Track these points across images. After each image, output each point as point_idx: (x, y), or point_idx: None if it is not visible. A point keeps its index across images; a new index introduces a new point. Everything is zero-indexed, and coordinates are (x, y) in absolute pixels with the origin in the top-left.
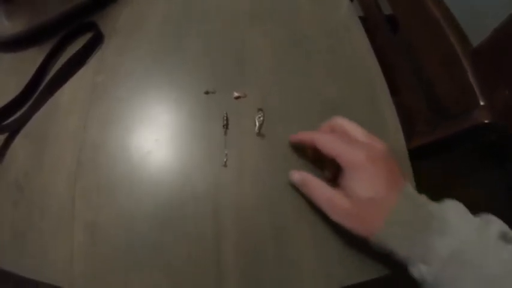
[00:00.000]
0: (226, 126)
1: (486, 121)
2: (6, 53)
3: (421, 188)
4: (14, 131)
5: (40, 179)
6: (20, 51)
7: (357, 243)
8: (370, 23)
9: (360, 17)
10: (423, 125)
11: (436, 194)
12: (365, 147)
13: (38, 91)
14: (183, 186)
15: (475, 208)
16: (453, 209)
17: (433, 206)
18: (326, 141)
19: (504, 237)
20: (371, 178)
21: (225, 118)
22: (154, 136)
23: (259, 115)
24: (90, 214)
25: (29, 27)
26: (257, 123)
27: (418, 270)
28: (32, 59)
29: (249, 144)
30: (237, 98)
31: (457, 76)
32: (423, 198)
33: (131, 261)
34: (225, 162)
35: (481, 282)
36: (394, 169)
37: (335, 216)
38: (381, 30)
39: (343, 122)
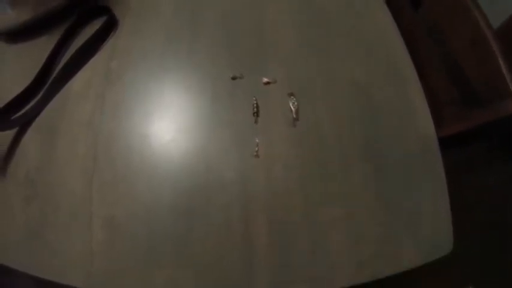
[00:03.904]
0: (256, 113)
1: None
2: (14, 43)
3: None
4: (24, 124)
5: (53, 173)
6: (28, 41)
7: (390, 231)
8: (394, 4)
9: None
10: (452, 112)
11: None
12: None
13: (48, 81)
14: (209, 176)
15: (479, 202)
16: None
17: None
18: None
19: None
20: None
21: (255, 105)
22: (176, 124)
23: (293, 100)
24: (108, 208)
25: (35, 15)
26: (293, 109)
27: None
28: (41, 48)
29: (280, 131)
30: (267, 83)
31: (486, 62)
32: None
33: (153, 256)
34: (257, 151)
35: None
36: None
37: None
38: (405, 11)
39: None
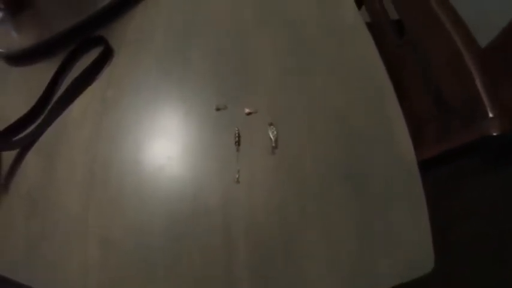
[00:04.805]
0: (238, 142)
1: (495, 134)
2: (16, 67)
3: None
4: (25, 146)
5: (52, 193)
6: (30, 65)
7: (368, 252)
8: (377, 29)
9: (367, 23)
10: (433, 133)
11: (439, 197)
12: None
13: (48, 106)
14: (195, 200)
15: (472, 215)
16: None
17: None
18: None
19: None
20: None
21: (236, 135)
22: (166, 152)
23: (272, 129)
24: (103, 228)
25: (38, 41)
26: (272, 138)
27: None
28: (41, 72)
29: (260, 159)
30: (249, 114)
31: (465, 85)
32: None
33: (145, 273)
34: (237, 178)
35: None
36: None
37: None
38: (388, 36)
39: None
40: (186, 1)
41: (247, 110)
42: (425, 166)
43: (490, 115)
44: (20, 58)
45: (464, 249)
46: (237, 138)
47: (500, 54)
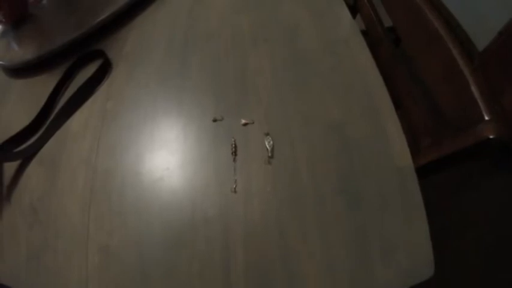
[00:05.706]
0: (234, 153)
1: (491, 136)
2: (18, 79)
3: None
4: (27, 157)
5: (54, 203)
6: (31, 78)
7: (365, 261)
8: (372, 37)
9: (362, 31)
10: (429, 140)
11: (439, 203)
12: None
13: (50, 118)
14: (194, 211)
15: (477, 219)
16: None
17: None
18: None
19: None
20: None
21: (233, 145)
22: (165, 163)
23: (268, 140)
24: (103, 237)
25: (39, 54)
26: (268, 148)
27: None
28: (42, 85)
29: (257, 169)
30: (245, 124)
31: (460, 90)
32: None
33: (144, 282)
34: (235, 188)
35: None
36: None
37: None
38: (383, 43)
39: None
40: (184, 15)
41: (243, 121)
42: (424, 172)
43: (486, 118)
44: (21, 71)
45: (463, 254)
46: (233, 149)
47: (497, 56)
